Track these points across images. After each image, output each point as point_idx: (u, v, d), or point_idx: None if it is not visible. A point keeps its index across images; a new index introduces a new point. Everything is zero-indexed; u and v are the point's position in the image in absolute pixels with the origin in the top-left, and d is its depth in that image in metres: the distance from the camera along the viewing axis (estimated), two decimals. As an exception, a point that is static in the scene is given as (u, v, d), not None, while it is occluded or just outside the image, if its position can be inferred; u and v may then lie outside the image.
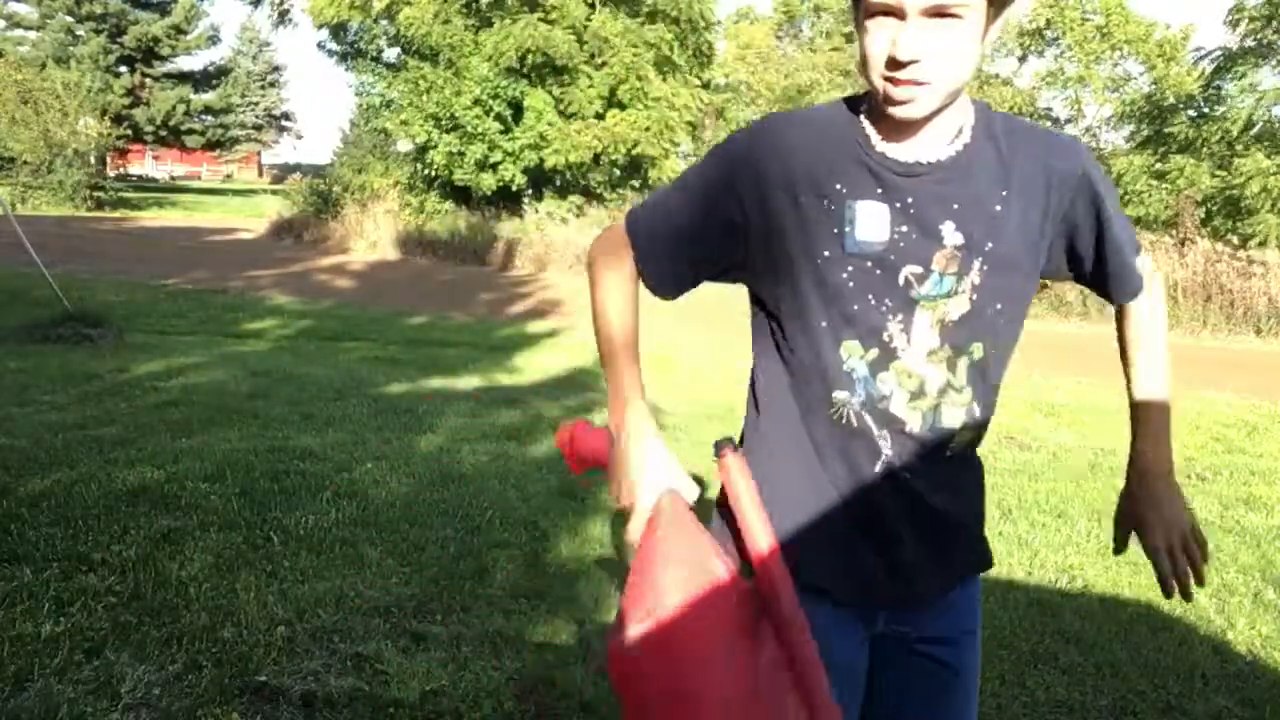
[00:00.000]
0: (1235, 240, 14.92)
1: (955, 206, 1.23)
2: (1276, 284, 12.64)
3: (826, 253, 1.24)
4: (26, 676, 2.51)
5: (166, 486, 4.10)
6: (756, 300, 1.35)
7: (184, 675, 2.57)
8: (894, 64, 1.13)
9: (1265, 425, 6.63)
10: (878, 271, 1.23)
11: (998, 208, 1.24)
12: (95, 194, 27.58)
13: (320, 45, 23.52)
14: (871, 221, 1.23)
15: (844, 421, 1.26)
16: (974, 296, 1.24)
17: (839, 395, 1.26)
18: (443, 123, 19.70)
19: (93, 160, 28.25)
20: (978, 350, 1.28)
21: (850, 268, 1.23)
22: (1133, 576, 3.69)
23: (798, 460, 1.30)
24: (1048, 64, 23.28)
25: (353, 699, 2.52)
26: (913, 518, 1.30)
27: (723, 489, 1.31)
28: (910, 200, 1.23)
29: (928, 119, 1.20)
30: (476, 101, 19.45)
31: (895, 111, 1.18)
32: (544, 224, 18.99)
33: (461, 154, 19.83)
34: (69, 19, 36.39)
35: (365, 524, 3.80)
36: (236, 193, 40.93)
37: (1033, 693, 2.77)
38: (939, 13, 1.12)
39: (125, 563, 3.26)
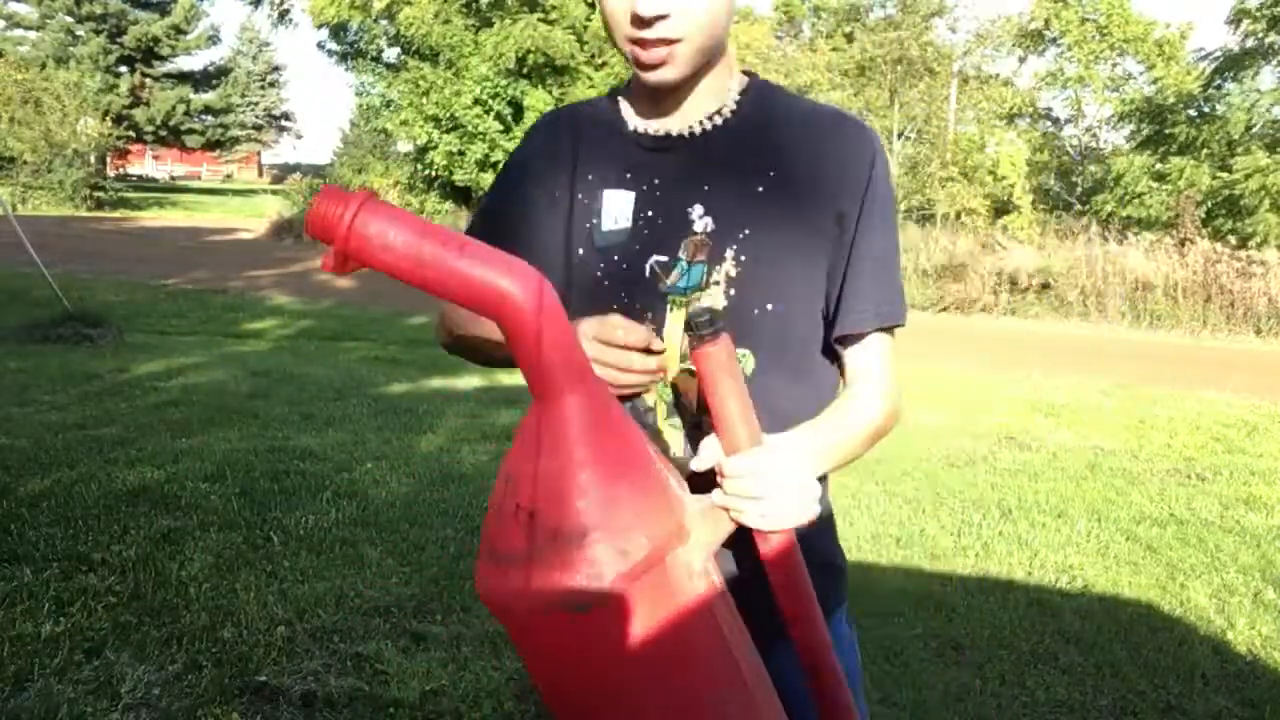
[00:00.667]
0: (1235, 240, 14.91)
1: (706, 186, 1.08)
2: (1276, 284, 12.63)
3: (581, 250, 1.12)
4: (26, 676, 2.51)
5: (166, 486, 4.10)
6: None
7: (184, 675, 2.57)
8: (639, 22, 1.00)
9: (1265, 425, 6.63)
10: (623, 265, 1.09)
11: (760, 188, 1.08)
12: (95, 194, 27.58)
13: (320, 45, 23.54)
14: (616, 209, 1.10)
15: None
16: (730, 291, 1.06)
17: None
18: (443, 123, 19.71)
19: (93, 160, 28.25)
20: (746, 361, 1.06)
21: (602, 264, 1.10)
22: (1133, 576, 3.69)
23: None
24: (1047, 64, 23.27)
25: (353, 699, 2.52)
26: None
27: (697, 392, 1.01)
28: (657, 181, 1.10)
29: (686, 85, 1.07)
30: (477, 101, 19.46)
31: (649, 77, 1.04)
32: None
33: (462, 154, 19.84)
34: (69, 19, 36.37)
35: (365, 524, 3.80)
36: (236, 193, 40.93)
37: (1033, 693, 2.77)
38: None
39: (125, 563, 3.26)
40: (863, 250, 1.09)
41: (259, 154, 59.75)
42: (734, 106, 1.12)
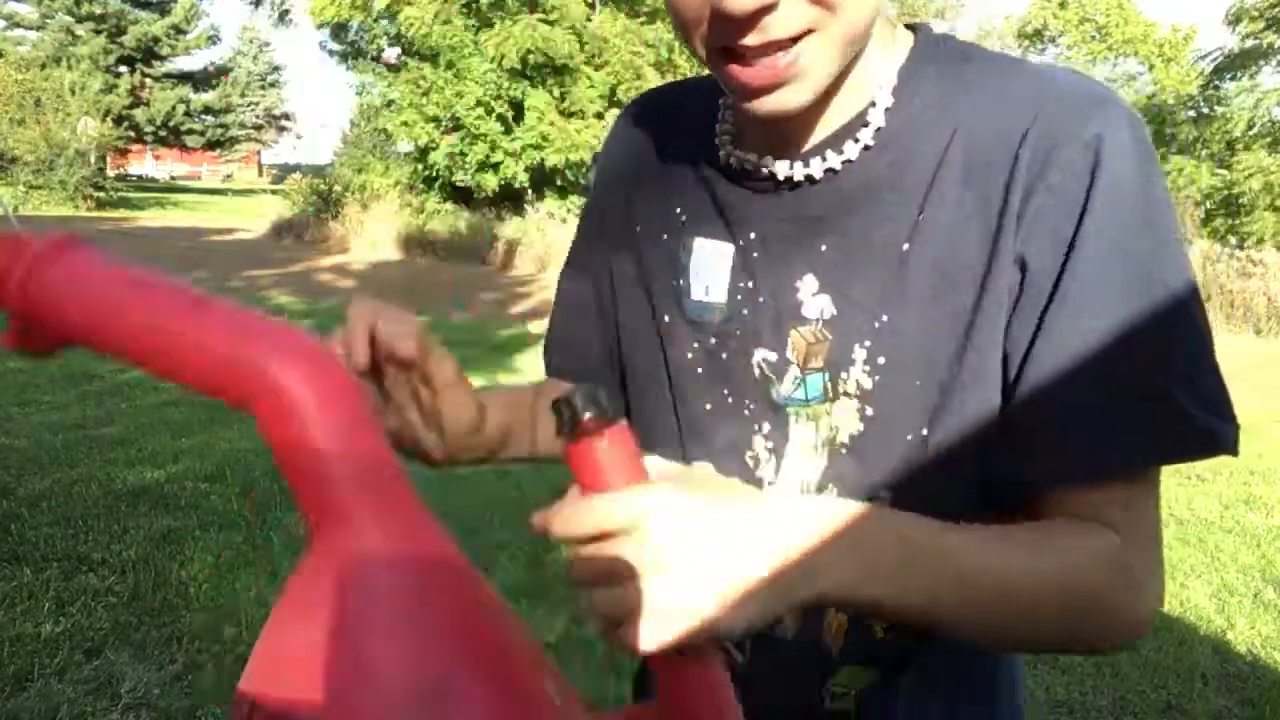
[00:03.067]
0: (1234, 240, 14.93)
1: (824, 248, 0.69)
2: (1276, 284, 12.63)
3: (667, 317, 0.77)
4: (26, 676, 2.51)
5: (166, 486, 4.10)
6: None
7: (184, 675, 2.57)
8: (730, 24, 0.60)
9: (1265, 425, 6.63)
10: (723, 355, 0.74)
11: (906, 246, 0.67)
12: (96, 194, 27.59)
13: (321, 45, 23.55)
14: (708, 270, 0.75)
15: None
16: (867, 409, 0.68)
17: None
18: (443, 124, 19.71)
19: (93, 160, 28.27)
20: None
21: (695, 344, 0.76)
22: (1133, 576, 3.70)
23: None
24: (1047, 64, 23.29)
25: (353, 699, 2.52)
26: None
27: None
28: (754, 236, 0.72)
29: (817, 105, 0.66)
30: (479, 102, 19.46)
31: (757, 107, 0.64)
32: (545, 224, 18.98)
33: (463, 154, 19.85)
34: (69, 19, 36.38)
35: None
36: (236, 193, 40.94)
37: (1033, 693, 2.76)
38: None
39: (125, 563, 3.26)
40: (1079, 303, 0.63)
41: (259, 154, 59.78)
42: (881, 121, 0.69)
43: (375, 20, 21.62)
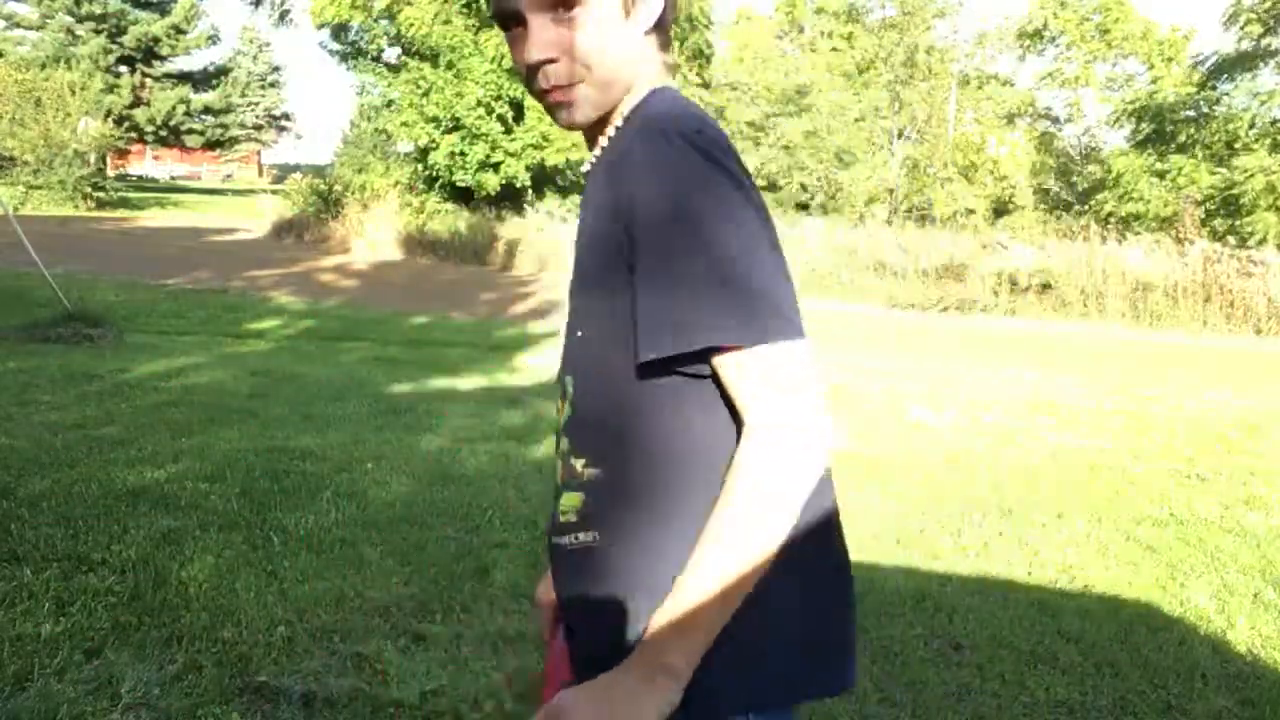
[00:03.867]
0: (1234, 241, 14.93)
1: (579, 224, 1.09)
2: (1276, 284, 12.64)
3: None
4: (26, 676, 2.51)
5: (166, 486, 4.10)
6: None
7: (184, 675, 2.57)
8: (533, 72, 1.02)
9: (1265, 425, 6.63)
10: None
11: (587, 218, 1.07)
12: (96, 194, 27.57)
13: (321, 45, 23.55)
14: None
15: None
16: (570, 321, 1.08)
17: None
18: (443, 124, 19.71)
19: (93, 160, 28.25)
20: (569, 386, 1.07)
21: None
22: (1133, 576, 3.69)
23: None
24: (1047, 64, 23.28)
25: (353, 699, 2.52)
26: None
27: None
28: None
29: (599, 125, 1.06)
30: (479, 102, 19.46)
31: (560, 122, 1.05)
32: (545, 224, 18.99)
33: (463, 155, 19.85)
34: (69, 19, 36.37)
35: (365, 524, 3.80)
36: (236, 192, 40.93)
37: (1033, 693, 2.77)
38: (553, 5, 1.00)
39: (125, 563, 3.26)
40: (644, 282, 0.96)
41: (259, 154, 59.76)
42: (605, 143, 1.07)
43: (375, 20, 21.62)
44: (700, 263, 0.93)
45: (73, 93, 26.93)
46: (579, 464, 1.04)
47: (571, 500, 1.05)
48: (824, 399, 0.96)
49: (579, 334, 1.06)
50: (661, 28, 1.07)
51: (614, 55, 1.02)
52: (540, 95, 1.04)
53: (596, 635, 1.04)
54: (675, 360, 0.95)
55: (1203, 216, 16.13)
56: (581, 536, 1.05)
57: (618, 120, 1.06)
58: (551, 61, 1.01)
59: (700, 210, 0.94)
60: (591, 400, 1.04)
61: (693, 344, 0.93)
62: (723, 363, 0.95)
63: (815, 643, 1.02)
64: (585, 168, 1.10)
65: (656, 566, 0.98)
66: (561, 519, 1.07)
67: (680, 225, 0.94)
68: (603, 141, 1.07)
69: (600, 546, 1.03)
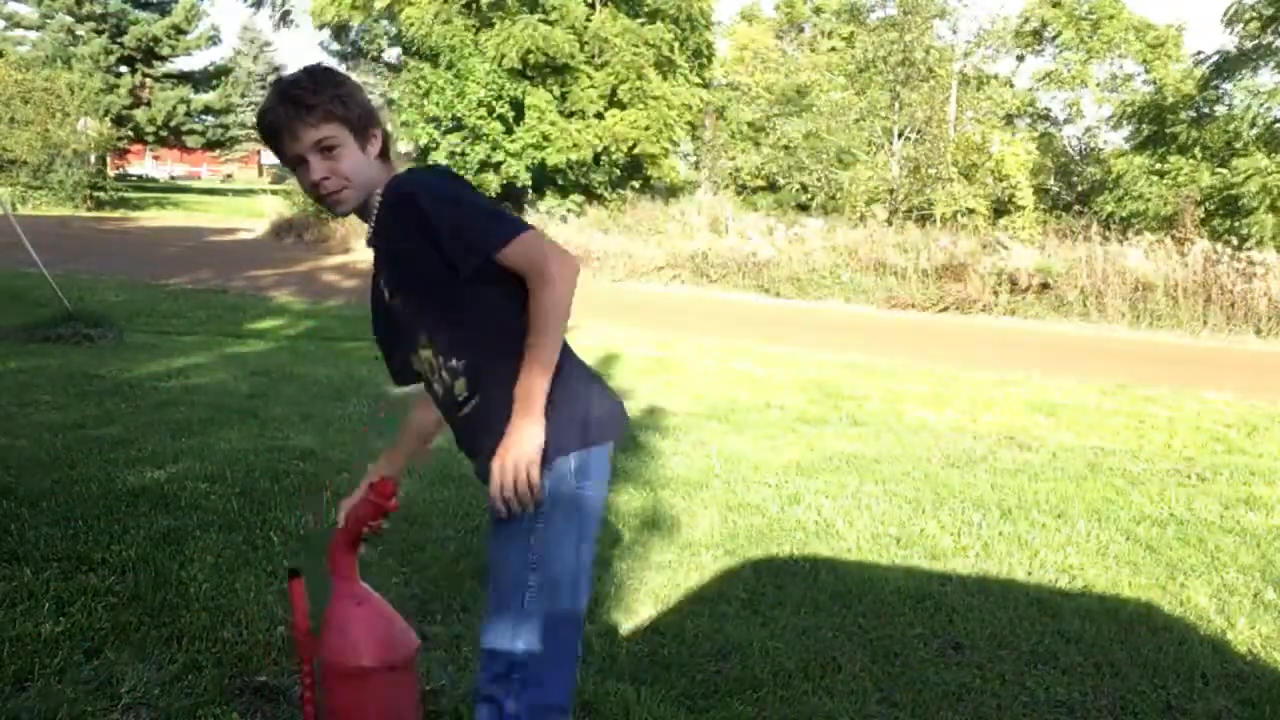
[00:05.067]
0: (1234, 241, 14.92)
1: (380, 261, 1.84)
2: (1276, 284, 12.64)
3: (387, 294, 1.89)
4: (26, 676, 2.51)
5: (166, 486, 4.11)
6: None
7: (184, 675, 2.57)
8: (316, 188, 1.76)
9: (1265, 425, 6.63)
10: (387, 294, 1.88)
11: (385, 249, 1.81)
12: (95, 194, 27.57)
13: (322, 46, 23.54)
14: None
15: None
16: (407, 306, 1.81)
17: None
18: (444, 124, 19.71)
19: (93, 160, 28.24)
20: (422, 337, 1.81)
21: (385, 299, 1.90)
22: (1133, 576, 3.70)
23: None
24: (1045, 64, 23.29)
25: (353, 699, 2.51)
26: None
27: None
28: (379, 266, 1.86)
29: (362, 207, 1.81)
30: (480, 103, 19.46)
31: (336, 212, 1.80)
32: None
33: (463, 155, 19.85)
34: (69, 19, 36.34)
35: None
36: (236, 192, 40.93)
37: (1033, 693, 2.77)
38: (321, 148, 1.74)
39: (125, 563, 3.26)
40: (441, 233, 1.69)
41: (259, 154, 59.73)
42: (376, 208, 1.81)
43: (375, 20, 21.63)
44: (466, 210, 1.71)
45: (72, 93, 26.91)
46: (453, 362, 1.78)
47: (460, 386, 1.79)
48: (554, 248, 1.71)
49: (415, 311, 1.80)
50: (384, 154, 1.83)
51: (360, 173, 1.78)
52: (321, 198, 1.79)
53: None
54: (481, 267, 1.68)
55: (1203, 216, 16.12)
56: (474, 401, 1.80)
57: (375, 202, 1.80)
58: (326, 179, 1.75)
59: (449, 189, 1.75)
60: (445, 329, 1.77)
61: (488, 252, 1.68)
62: (502, 256, 1.68)
63: (595, 413, 1.79)
64: (367, 237, 1.85)
65: (510, 381, 1.69)
66: (458, 399, 1.82)
67: (446, 199, 1.72)
68: (374, 215, 1.81)
69: (483, 399, 1.78)
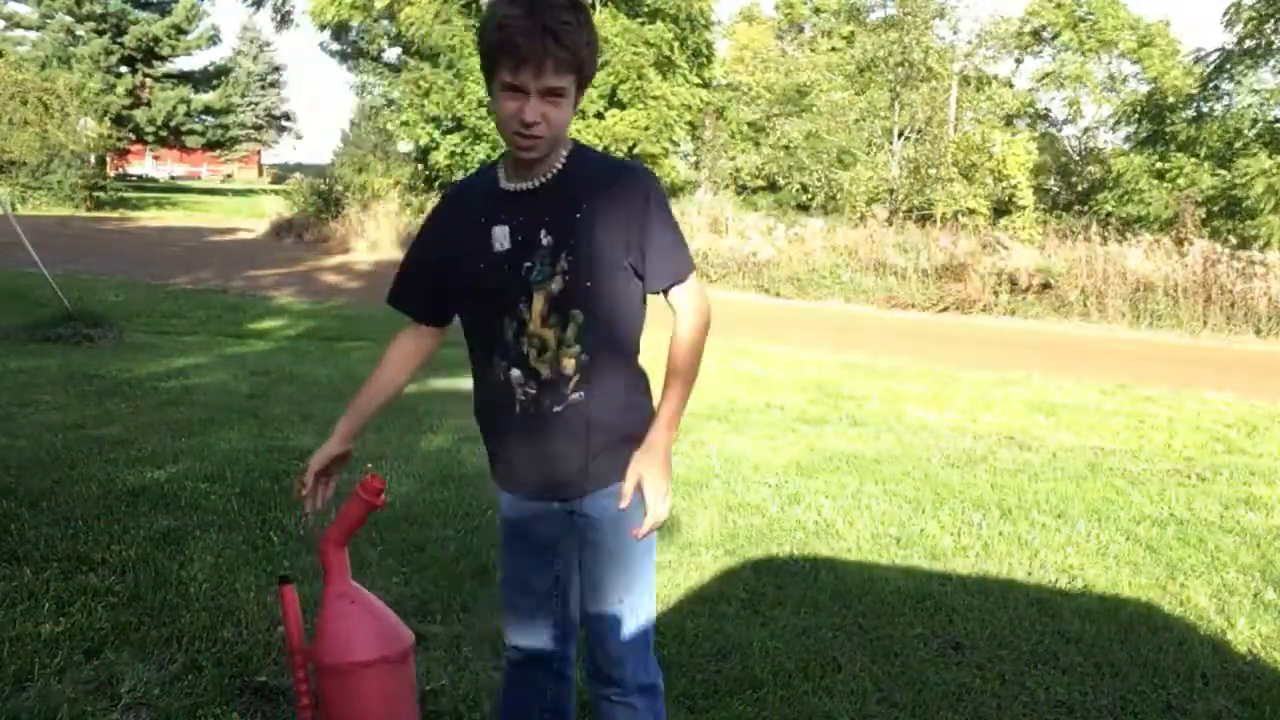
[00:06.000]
0: (1235, 241, 14.91)
1: (547, 218, 1.72)
2: (1276, 284, 12.63)
3: (480, 264, 1.77)
4: (26, 676, 2.51)
5: (166, 486, 4.11)
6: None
7: (184, 675, 2.57)
8: (523, 125, 1.64)
9: (1265, 425, 6.63)
10: (506, 268, 1.74)
11: (578, 215, 1.72)
12: (95, 194, 27.57)
13: (322, 47, 23.55)
14: (502, 235, 1.75)
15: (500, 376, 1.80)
16: (567, 278, 1.71)
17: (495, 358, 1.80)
18: (444, 124, 19.71)
19: (92, 160, 28.24)
20: (579, 316, 1.72)
21: (493, 270, 1.76)
22: (1133, 576, 3.69)
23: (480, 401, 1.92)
24: (1045, 64, 23.29)
25: (353, 699, 2.52)
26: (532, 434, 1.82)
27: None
28: (522, 218, 1.74)
29: (542, 159, 1.72)
30: (480, 103, 19.46)
31: (524, 154, 1.69)
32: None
33: (463, 155, 19.85)
34: (69, 19, 36.33)
35: (365, 524, 3.79)
36: (236, 193, 40.93)
37: (1033, 693, 2.77)
38: (550, 92, 1.63)
39: (125, 563, 3.26)
40: (654, 242, 1.74)
41: (259, 154, 59.76)
42: (560, 165, 1.75)
43: (375, 20, 21.63)
44: (678, 229, 1.79)
45: (72, 93, 26.91)
46: (576, 349, 1.73)
47: (572, 375, 1.73)
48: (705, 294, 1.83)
49: (566, 285, 1.71)
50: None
51: (562, 127, 1.70)
52: (517, 134, 1.67)
53: (622, 427, 1.78)
54: (662, 287, 1.78)
55: (1203, 217, 16.11)
56: (576, 396, 1.75)
57: (559, 158, 1.75)
58: (538, 124, 1.65)
59: (665, 204, 1.78)
60: (590, 317, 1.72)
61: (680, 278, 1.77)
62: (683, 286, 1.77)
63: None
64: (533, 185, 1.75)
65: (614, 394, 1.79)
66: (560, 390, 1.74)
67: (669, 208, 1.79)
68: (555, 165, 1.75)
69: (585, 400, 1.76)
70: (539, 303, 1.71)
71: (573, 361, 1.72)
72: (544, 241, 1.70)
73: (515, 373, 1.75)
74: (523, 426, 1.79)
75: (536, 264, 1.71)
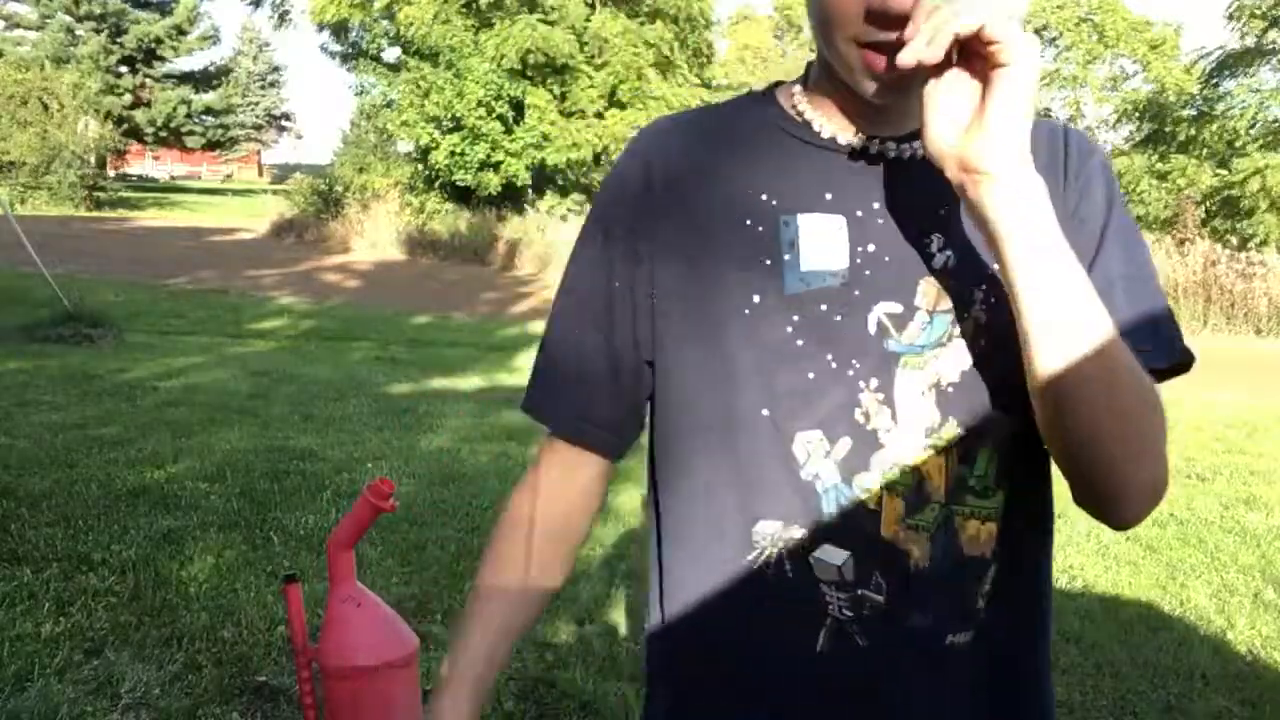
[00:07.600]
0: (1235, 241, 14.92)
1: (942, 211, 0.79)
2: (1276, 284, 12.64)
3: (756, 298, 0.80)
4: (26, 676, 2.51)
5: (166, 486, 4.11)
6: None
7: (184, 675, 2.57)
8: (882, 20, 0.70)
9: (1265, 425, 6.63)
10: (836, 318, 0.79)
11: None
12: (95, 194, 27.57)
13: (322, 48, 23.57)
14: (822, 241, 0.80)
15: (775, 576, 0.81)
16: (982, 343, 0.79)
17: (769, 525, 0.81)
18: (444, 124, 19.70)
19: (92, 161, 28.24)
20: (1002, 425, 0.83)
21: (796, 317, 0.79)
22: (1133, 576, 3.69)
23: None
24: (1046, 64, 23.30)
25: (353, 699, 2.52)
26: None
27: None
28: (877, 206, 0.80)
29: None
30: (480, 102, 19.46)
31: (876, 95, 0.75)
32: (546, 224, 18.99)
33: (463, 155, 19.84)
34: (69, 19, 36.34)
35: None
36: (236, 193, 40.93)
37: (1033, 693, 2.76)
38: None
39: (125, 563, 3.26)
40: (1111, 259, 0.83)
41: (259, 154, 59.76)
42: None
43: (375, 19, 21.64)
44: (1155, 284, 0.86)
45: (72, 94, 26.91)
46: (989, 496, 0.89)
47: (987, 544, 0.90)
48: None
49: (983, 357, 0.80)
50: None
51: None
52: (873, 47, 0.73)
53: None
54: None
55: (1203, 216, 16.12)
56: (989, 611, 0.90)
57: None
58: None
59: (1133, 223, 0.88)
60: (1009, 424, 0.84)
61: (1179, 356, 0.87)
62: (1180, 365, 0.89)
63: None
64: (897, 134, 0.81)
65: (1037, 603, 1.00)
66: (964, 589, 0.87)
67: (1138, 235, 0.87)
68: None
69: (1004, 612, 0.92)
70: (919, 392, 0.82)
71: (969, 523, 0.87)
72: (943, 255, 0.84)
73: (825, 556, 0.81)
74: (840, 678, 0.83)
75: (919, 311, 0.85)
